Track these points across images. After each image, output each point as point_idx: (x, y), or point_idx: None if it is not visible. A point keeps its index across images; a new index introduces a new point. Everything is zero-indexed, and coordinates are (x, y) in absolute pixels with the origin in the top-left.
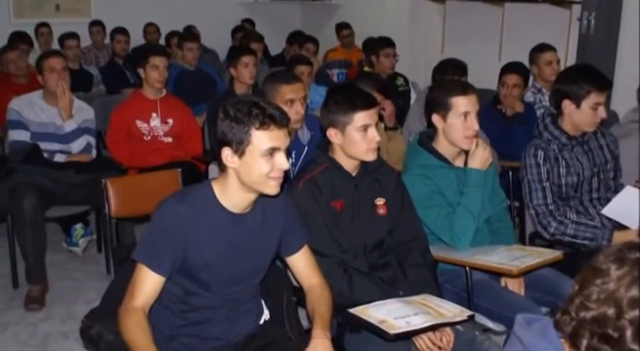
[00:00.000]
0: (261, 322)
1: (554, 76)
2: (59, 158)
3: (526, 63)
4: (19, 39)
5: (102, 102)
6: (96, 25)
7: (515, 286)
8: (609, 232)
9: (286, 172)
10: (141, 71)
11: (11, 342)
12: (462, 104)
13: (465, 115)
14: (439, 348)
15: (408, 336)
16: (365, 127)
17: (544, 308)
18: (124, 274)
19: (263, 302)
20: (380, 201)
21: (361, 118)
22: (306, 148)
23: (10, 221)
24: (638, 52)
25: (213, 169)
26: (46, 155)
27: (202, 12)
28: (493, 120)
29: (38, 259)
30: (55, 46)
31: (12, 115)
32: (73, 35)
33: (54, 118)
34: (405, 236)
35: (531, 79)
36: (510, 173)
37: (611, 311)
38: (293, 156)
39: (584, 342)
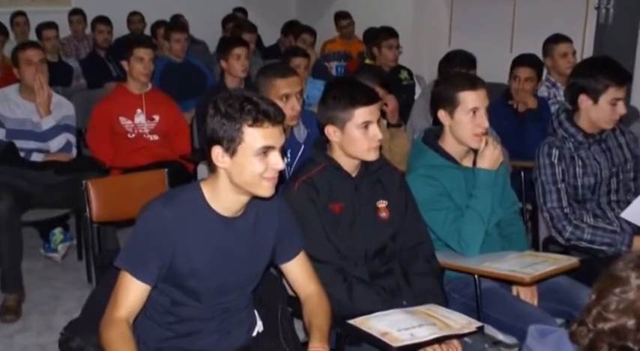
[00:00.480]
0: (254, 334)
1: (570, 69)
2: (36, 157)
3: (539, 55)
4: None
5: (82, 97)
6: (76, 14)
7: (528, 295)
8: (629, 236)
9: (281, 173)
10: (125, 64)
11: None
12: (471, 99)
13: (474, 111)
14: None
15: (412, 349)
16: (366, 124)
17: (559, 319)
18: (106, 283)
19: (256, 313)
20: (382, 204)
21: (362, 114)
22: (303, 146)
23: None
24: None
25: (202, 169)
26: (22, 154)
27: (191, 0)
28: (504, 116)
29: (14, 265)
30: (32, 36)
31: None
32: (52, 25)
33: (31, 114)
34: (409, 242)
35: (545, 72)
36: (522, 174)
37: (631, 322)
38: (288, 155)
39: None
